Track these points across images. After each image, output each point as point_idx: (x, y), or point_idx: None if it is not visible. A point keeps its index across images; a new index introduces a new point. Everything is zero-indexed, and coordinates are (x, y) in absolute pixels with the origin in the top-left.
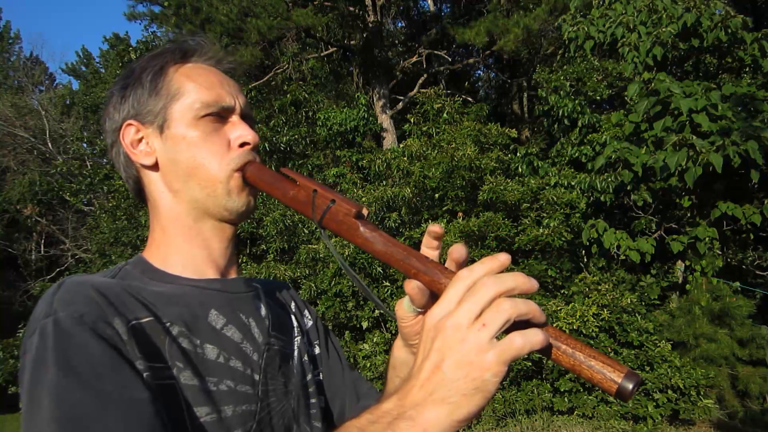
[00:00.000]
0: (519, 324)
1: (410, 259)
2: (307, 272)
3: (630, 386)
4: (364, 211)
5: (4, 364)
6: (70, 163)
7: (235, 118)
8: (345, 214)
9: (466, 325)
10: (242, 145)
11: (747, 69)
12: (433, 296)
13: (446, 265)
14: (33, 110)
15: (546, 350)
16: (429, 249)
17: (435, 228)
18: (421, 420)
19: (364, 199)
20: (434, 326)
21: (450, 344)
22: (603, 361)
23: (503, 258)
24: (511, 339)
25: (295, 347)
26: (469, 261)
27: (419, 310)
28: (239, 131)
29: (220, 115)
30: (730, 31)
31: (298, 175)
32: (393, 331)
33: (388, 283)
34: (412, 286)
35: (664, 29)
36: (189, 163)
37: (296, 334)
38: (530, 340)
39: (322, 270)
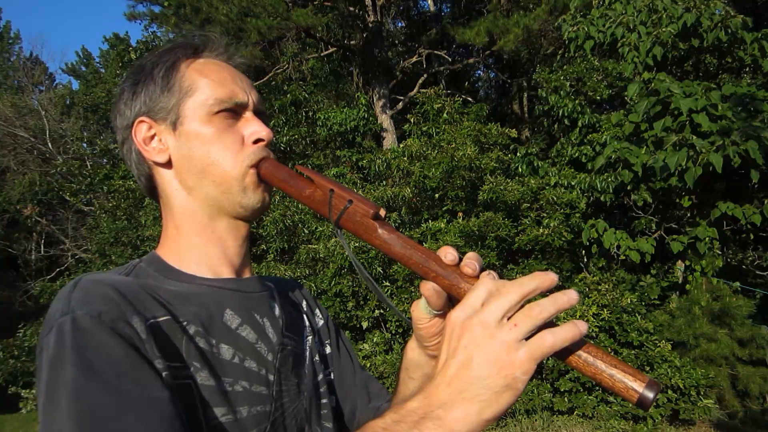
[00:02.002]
0: (545, 324)
1: (429, 262)
2: (307, 272)
3: (651, 396)
4: (381, 212)
5: (4, 364)
6: (70, 163)
7: (248, 114)
8: (363, 215)
9: (494, 324)
10: (256, 141)
11: (747, 69)
12: (450, 299)
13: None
14: (33, 110)
15: (568, 356)
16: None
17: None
18: (449, 419)
19: None
20: (460, 325)
21: (478, 342)
22: (624, 369)
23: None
24: (542, 337)
25: (307, 347)
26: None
27: (436, 312)
28: (253, 127)
29: (234, 111)
30: (730, 31)
31: (314, 173)
32: (393, 331)
33: (388, 283)
34: (428, 287)
35: (664, 29)
36: (203, 160)
37: (308, 334)
38: (560, 337)
39: (322, 270)
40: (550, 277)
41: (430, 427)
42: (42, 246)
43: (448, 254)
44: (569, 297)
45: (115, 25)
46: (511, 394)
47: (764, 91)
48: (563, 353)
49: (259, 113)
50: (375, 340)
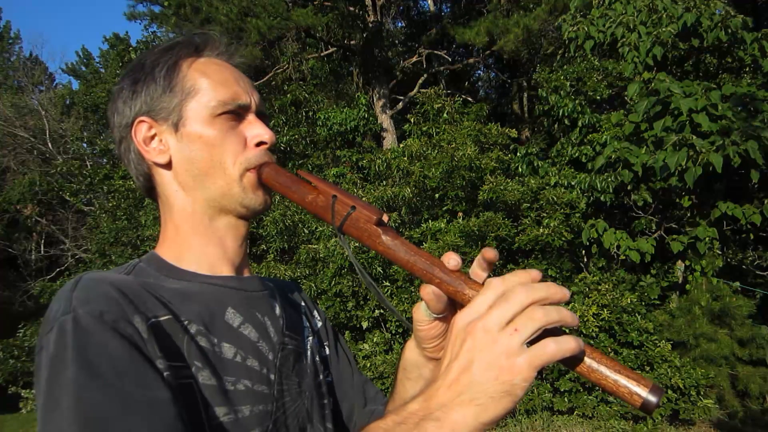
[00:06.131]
0: (548, 331)
1: (433, 268)
2: (307, 272)
3: (655, 400)
4: (384, 218)
5: (4, 364)
6: (70, 163)
7: (251, 117)
8: (366, 221)
9: (497, 328)
10: (259, 144)
11: (747, 69)
12: (452, 303)
13: (476, 264)
14: (33, 110)
15: (571, 362)
16: (478, 270)
17: (490, 254)
18: (448, 421)
19: (364, 199)
20: (464, 328)
21: (480, 346)
22: (627, 374)
23: (535, 273)
24: (544, 345)
25: (308, 347)
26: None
27: (436, 315)
28: (256, 130)
29: (237, 113)
30: (730, 31)
31: (316, 178)
32: (393, 331)
33: (388, 283)
34: (427, 291)
35: (664, 29)
36: (205, 162)
37: (308, 334)
38: (562, 347)
39: (322, 270)
40: (562, 291)
41: (430, 428)
42: (42, 246)
43: (451, 260)
44: (573, 317)
45: (115, 25)
46: (509, 400)
47: (764, 91)
48: (566, 359)
49: (260, 115)
50: (375, 340)
